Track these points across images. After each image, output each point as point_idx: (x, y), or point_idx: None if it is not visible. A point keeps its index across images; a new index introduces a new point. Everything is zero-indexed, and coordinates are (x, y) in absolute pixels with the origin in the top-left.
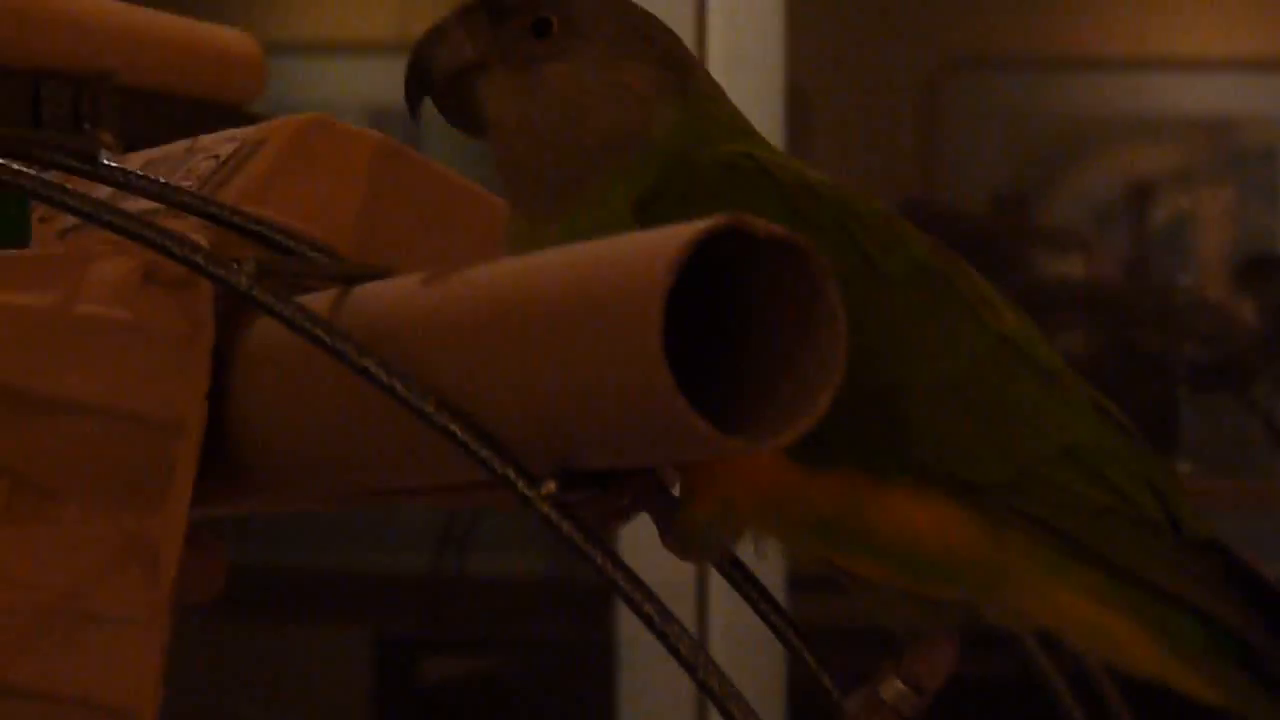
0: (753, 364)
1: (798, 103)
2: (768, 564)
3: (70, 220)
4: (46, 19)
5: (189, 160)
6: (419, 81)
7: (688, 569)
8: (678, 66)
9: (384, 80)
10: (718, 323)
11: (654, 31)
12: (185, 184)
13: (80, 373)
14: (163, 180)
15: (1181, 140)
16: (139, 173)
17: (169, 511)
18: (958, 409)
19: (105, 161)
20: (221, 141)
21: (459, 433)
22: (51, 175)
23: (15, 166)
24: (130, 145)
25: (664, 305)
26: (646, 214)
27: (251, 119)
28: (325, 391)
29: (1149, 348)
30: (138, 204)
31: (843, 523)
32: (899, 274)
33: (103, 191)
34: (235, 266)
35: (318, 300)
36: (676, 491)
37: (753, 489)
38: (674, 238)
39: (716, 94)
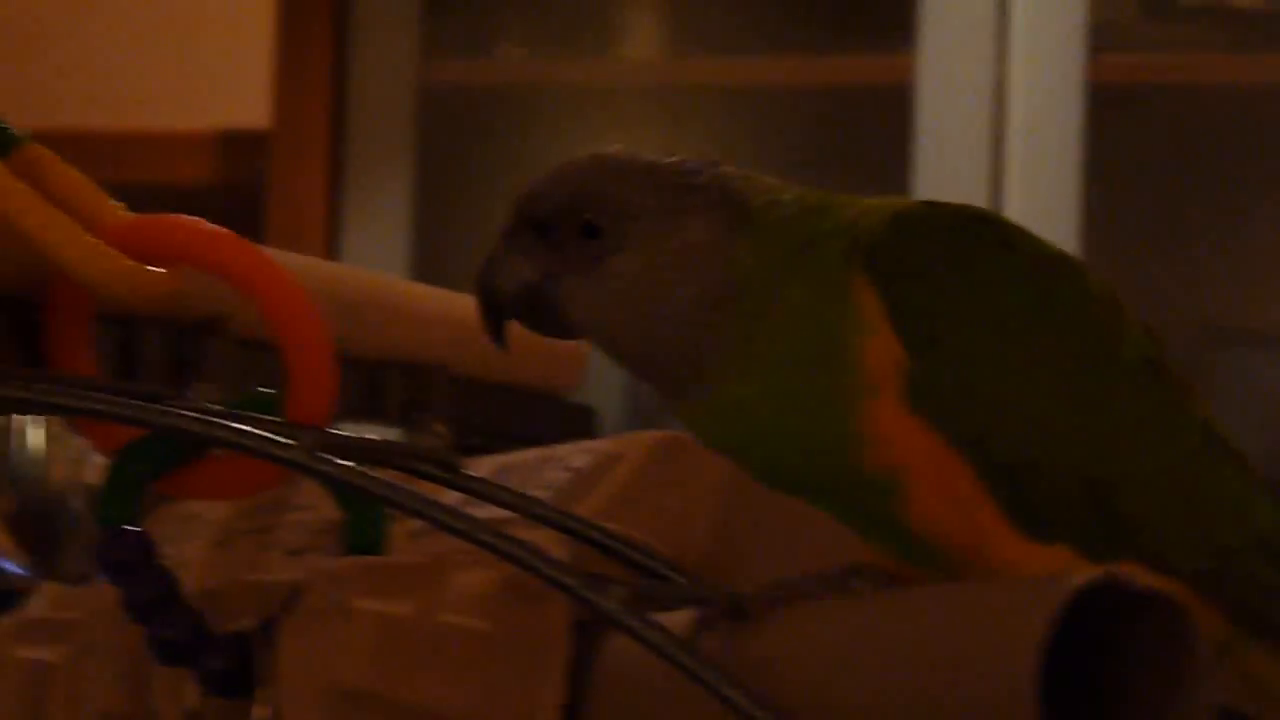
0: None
1: None
2: None
3: (419, 524)
4: (385, 312)
5: (543, 470)
6: (495, 312)
7: None
8: (730, 198)
9: None
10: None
11: (693, 178)
12: (540, 494)
13: (440, 682)
14: (520, 491)
15: None
16: (500, 485)
17: None
18: (1171, 499)
19: (465, 471)
20: (575, 453)
21: None
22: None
23: (379, 477)
24: (458, 433)
25: (1039, 658)
26: (879, 259)
27: (576, 409)
28: (686, 715)
29: None
30: (486, 508)
31: None
32: (1131, 362)
33: (451, 496)
34: (607, 591)
35: (678, 622)
36: None
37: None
38: (1048, 592)
39: (776, 193)
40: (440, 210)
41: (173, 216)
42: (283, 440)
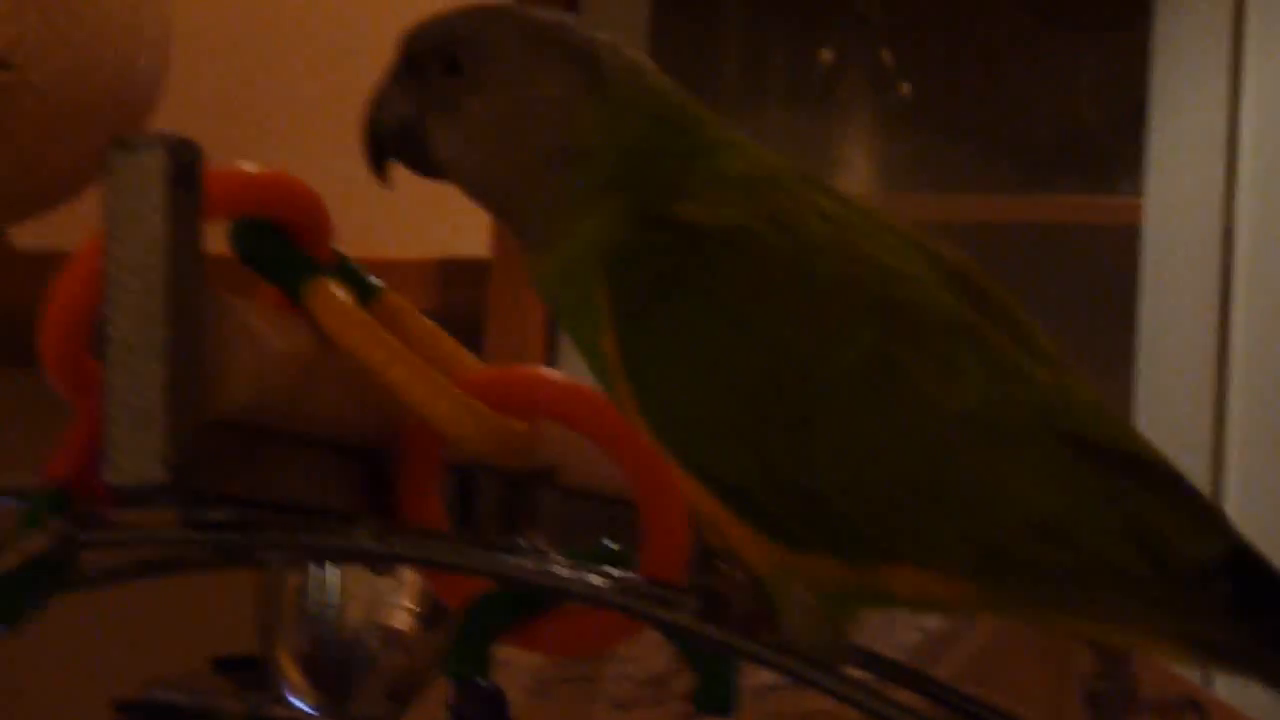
0: None
1: None
2: None
3: (767, 677)
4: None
5: (893, 629)
6: (376, 146)
7: None
8: (587, 59)
9: None
10: None
11: (562, 34)
12: (894, 654)
13: None
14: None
15: None
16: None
17: None
18: (911, 503)
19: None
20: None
21: None
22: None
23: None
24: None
25: None
26: (623, 281)
27: None
28: None
29: None
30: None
31: (854, 590)
32: (843, 374)
33: None
34: None
35: None
36: None
37: (764, 563)
38: None
39: (637, 76)
40: None
41: (529, 369)
42: (669, 602)
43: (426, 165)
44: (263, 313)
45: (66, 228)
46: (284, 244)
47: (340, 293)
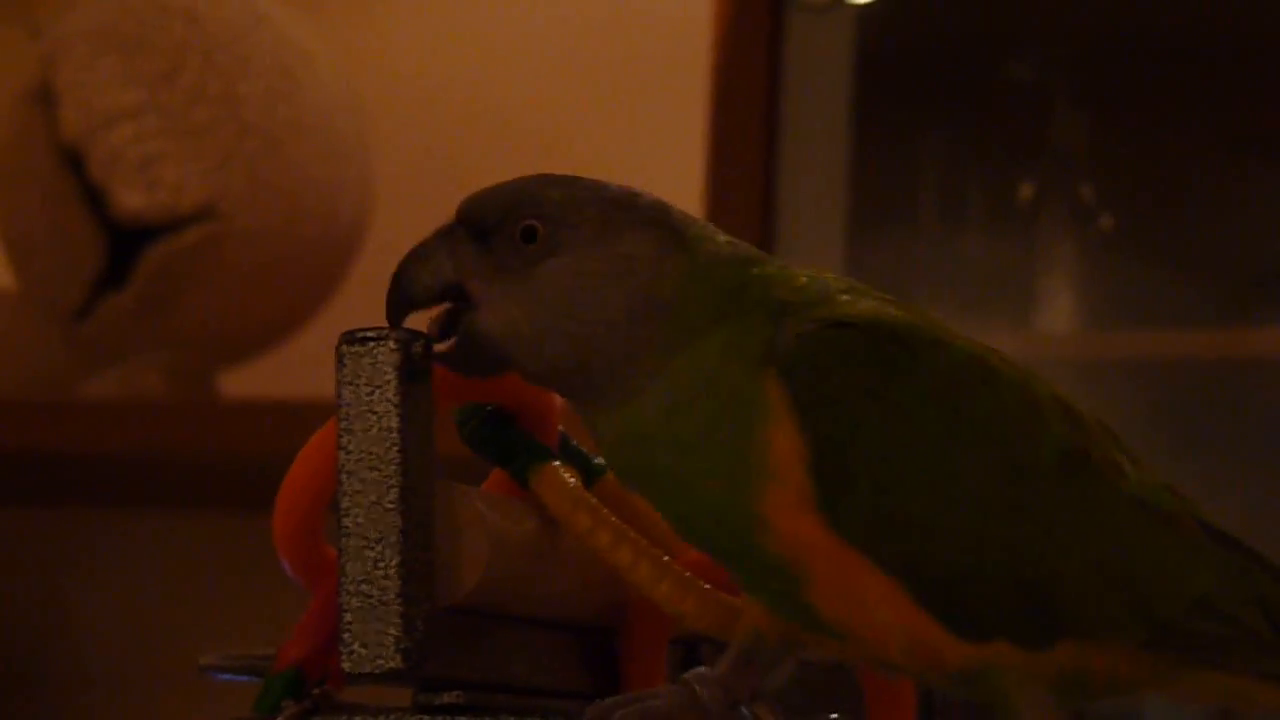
0: None
1: None
2: None
3: None
4: None
5: None
6: (404, 300)
7: None
8: (666, 220)
9: None
10: None
11: (636, 199)
12: None
13: None
14: None
15: None
16: None
17: None
18: (1104, 585)
19: None
20: None
21: None
22: None
23: None
24: None
25: None
26: (809, 377)
27: None
28: None
29: None
30: None
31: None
32: (1050, 459)
33: None
34: None
35: None
36: None
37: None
38: None
39: (706, 229)
40: None
41: None
42: None
43: (465, 338)
44: (492, 499)
45: (272, 376)
46: (511, 429)
47: (568, 476)
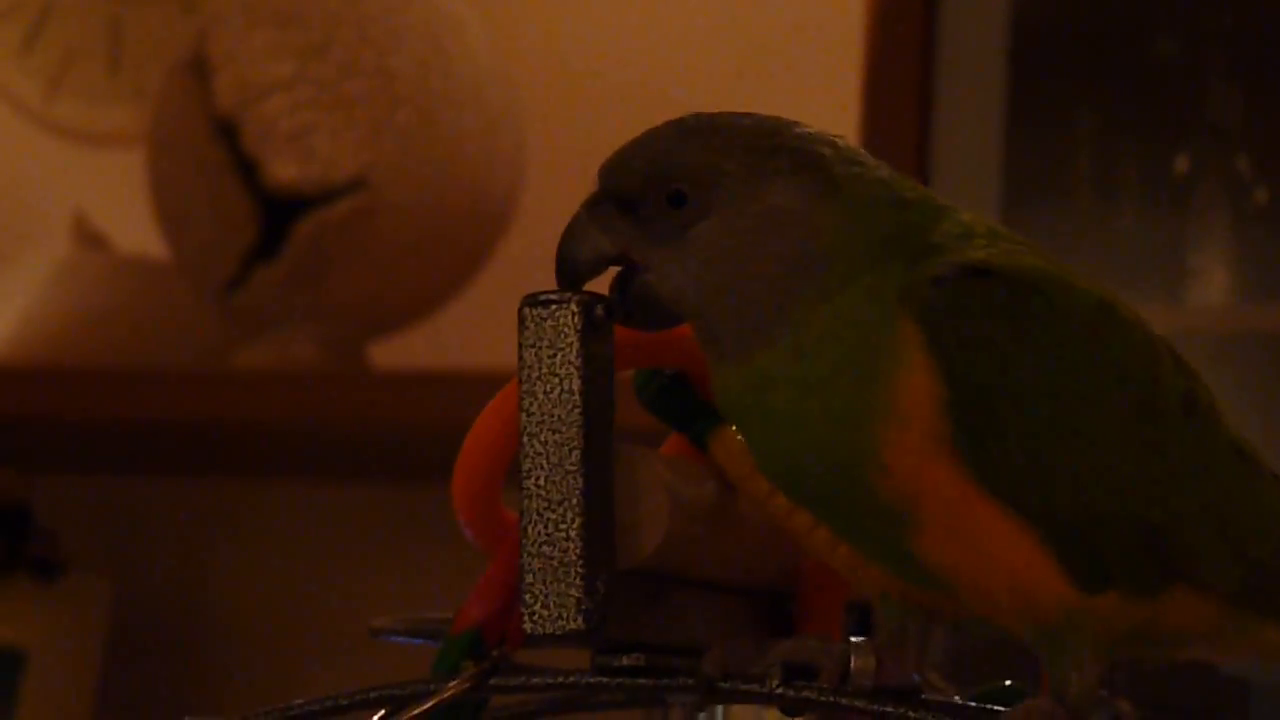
0: None
1: None
2: None
3: None
4: None
5: None
6: (571, 283)
7: None
8: (814, 164)
9: None
10: None
11: (779, 139)
12: None
13: None
14: None
15: None
16: None
17: None
18: (1215, 528)
19: None
20: None
21: None
22: None
23: None
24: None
25: None
26: (948, 321)
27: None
28: None
29: None
30: None
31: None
32: (1171, 402)
33: None
34: None
35: None
36: None
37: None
38: None
39: (863, 168)
40: None
41: None
42: None
43: (639, 306)
44: (672, 462)
45: (423, 347)
46: (689, 393)
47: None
